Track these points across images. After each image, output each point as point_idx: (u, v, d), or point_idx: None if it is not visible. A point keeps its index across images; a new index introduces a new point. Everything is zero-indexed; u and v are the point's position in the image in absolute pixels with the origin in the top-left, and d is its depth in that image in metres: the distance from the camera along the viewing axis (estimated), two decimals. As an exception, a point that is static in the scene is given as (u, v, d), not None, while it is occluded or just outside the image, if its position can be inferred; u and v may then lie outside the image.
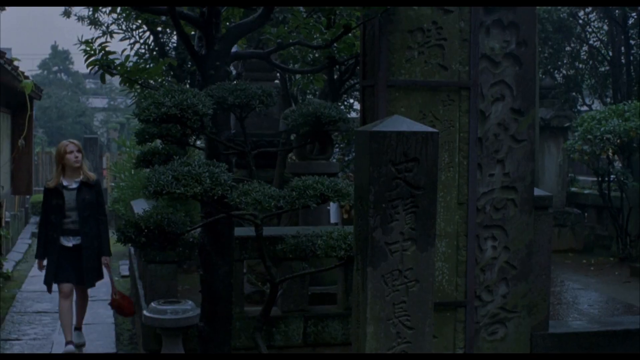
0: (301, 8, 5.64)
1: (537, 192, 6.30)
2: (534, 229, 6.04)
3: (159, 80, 5.12)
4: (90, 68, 4.95)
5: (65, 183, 6.67)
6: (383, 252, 3.18)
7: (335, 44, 5.08)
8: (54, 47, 52.69)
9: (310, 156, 7.36)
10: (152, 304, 5.41)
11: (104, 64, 4.92)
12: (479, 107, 5.31)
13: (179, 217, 4.03)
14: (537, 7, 6.68)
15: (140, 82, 4.87)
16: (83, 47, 4.83)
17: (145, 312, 5.37)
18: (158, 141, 4.40)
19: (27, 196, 18.74)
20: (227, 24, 5.00)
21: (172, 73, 8.84)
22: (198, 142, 5.62)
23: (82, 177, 6.71)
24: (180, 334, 5.42)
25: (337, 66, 8.60)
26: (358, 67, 7.63)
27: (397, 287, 3.22)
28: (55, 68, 51.87)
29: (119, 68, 4.94)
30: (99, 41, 4.92)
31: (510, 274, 5.81)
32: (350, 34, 5.20)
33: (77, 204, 6.61)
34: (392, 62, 4.78)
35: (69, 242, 6.66)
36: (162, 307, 5.36)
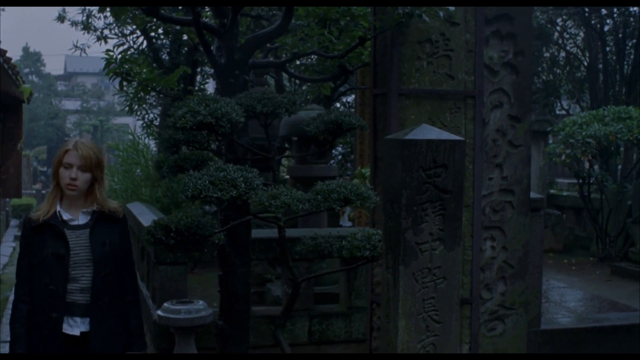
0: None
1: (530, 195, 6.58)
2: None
3: (175, 88, 5.28)
4: (109, 75, 5.12)
5: (65, 216, 3.71)
6: (414, 251, 3.42)
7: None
8: (26, 49, 52.29)
9: (310, 160, 7.57)
10: (166, 304, 5.58)
11: (122, 72, 5.10)
12: (480, 114, 5.57)
13: (207, 220, 4.22)
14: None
15: (158, 89, 5.05)
16: (104, 55, 5.00)
17: (159, 312, 5.54)
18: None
19: (7, 199, 18.71)
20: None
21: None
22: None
23: (96, 206, 3.76)
24: (194, 332, 5.60)
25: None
26: (351, 75, 7.87)
27: (427, 284, 3.45)
28: (27, 70, 51.46)
29: (134, 76, 5.13)
30: (118, 49, 5.10)
31: (508, 272, 6.08)
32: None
33: (93, 254, 3.66)
34: (403, 71, 5.02)
35: (75, 327, 3.71)
36: (176, 307, 5.53)
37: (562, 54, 15.54)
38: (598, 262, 11.26)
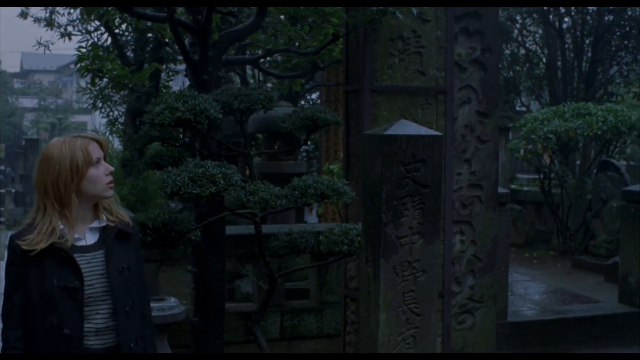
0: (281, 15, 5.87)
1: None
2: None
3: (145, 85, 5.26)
4: (81, 72, 5.08)
5: (71, 236, 2.78)
6: (394, 245, 3.47)
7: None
8: (-21, 46, 51.30)
9: (279, 156, 7.60)
10: (139, 302, 5.55)
11: (94, 69, 5.06)
12: (448, 110, 5.66)
13: (183, 217, 4.23)
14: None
15: (130, 85, 5.03)
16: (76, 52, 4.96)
17: (132, 310, 5.51)
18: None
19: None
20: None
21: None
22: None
23: (105, 218, 2.88)
24: (166, 330, 5.59)
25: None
26: (317, 72, 7.90)
27: (407, 277, 3.50)
28: (-19, 67, 50.50)
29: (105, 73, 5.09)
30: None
31: (478, 266, 6.17)
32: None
33: (111, 285, 2.80)
34: (375, 68, 5.07)
35: None
36: (149, 304, 5.51)
37: (522, 51, 15.76)
38: (559, 255, 11.47)
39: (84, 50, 4.96)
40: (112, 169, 2.87)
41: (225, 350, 5.15)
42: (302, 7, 5.23)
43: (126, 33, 9.39)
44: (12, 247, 2.77)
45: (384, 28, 5.04)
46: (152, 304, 5.52)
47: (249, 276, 6.30)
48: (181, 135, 4.49)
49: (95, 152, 2.79)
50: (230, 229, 6.29)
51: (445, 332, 5.60)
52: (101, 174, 2.80)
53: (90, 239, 2.81)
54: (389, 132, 3.45)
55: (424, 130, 3.55)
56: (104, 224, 2.84)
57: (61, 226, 2.72)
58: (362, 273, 3.68)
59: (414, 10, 4.91)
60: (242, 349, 6.01)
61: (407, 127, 3.51)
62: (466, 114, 6.01)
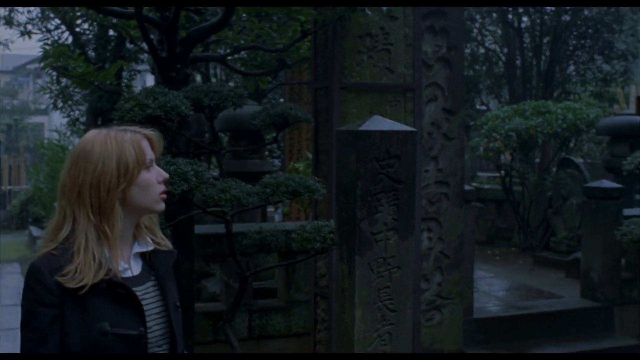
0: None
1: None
2: (462, 221, 6.48)
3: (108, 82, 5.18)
4: (46, 70, 4.99)
5: (121, 266, 2.12)
6: (369, 241, 3.46)
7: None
8: None
9: (244, 155, 7.56)
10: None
11: (59, 66, 4.98)
12: (415, 107, 5.69)
13: (154, 215, 4.17)
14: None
15: (96, 83, 4.96)
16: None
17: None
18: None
19: None
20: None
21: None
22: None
23: (149, 240, 2.24)
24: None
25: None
26: (282, 70, 7.87)
27: (382, 274, 3.50)
28: None
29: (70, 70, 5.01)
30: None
31: (445, 263, 6.22)
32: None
33: (173, 326, 2.21)
34: (344, 65, 5.08)
35: None
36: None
37: (482, 50, 15.93)
38: (520, 252, 11.60)
39: (48, 47, 4.86)
40: (166, 175, 2.23)
41: (194, 351, 5.10)
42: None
43: (87, 31, 9.27)
44: (42, 281, 2.02)
45: (352, 25, 5.05)
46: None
47: (216, 275, 6.25)
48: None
49: (148, 151, 2.16)
50: (197, 228, 6.23)
51: (414, 328, 5.62)
52: (154, 181, 2.16)
53: (135, 267, 2.18)
54: (363, 127, 3.45)
55: (398, 126, 3.55)
56: (150, 247, 2.22)
57: (105, 253, 2.08)
58: (337, 270, 3.67)
59: (383, 7, 4.92)
60: (210, 349, 5.96)
61: (381, 123, 3.51)
62: (433, 111, 6.05)
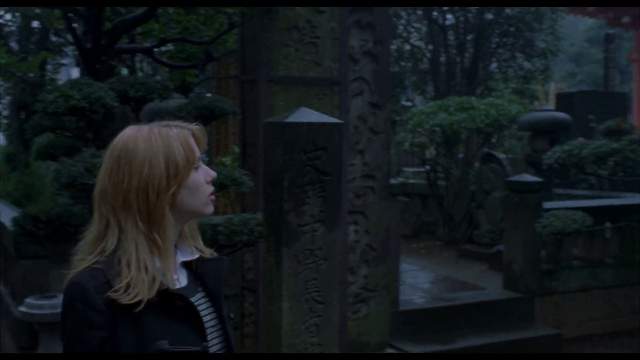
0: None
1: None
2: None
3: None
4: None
5: (172, 274, 1.89)
6: (296, 233, 3.48)
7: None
8: None
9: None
10: (28, 300, 5.34)
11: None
12: (342, 101, 5.73)
13: (78, 210, 4.10)
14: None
15: (19, 74, 4.83)
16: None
17: (22, 308, 5.30)
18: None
19: None
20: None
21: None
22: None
23: (194, 248, 2.02)
24: (59, 327, 5.40)
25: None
26: (209, 64, 7.82)
27: (309, 266, 3.52)
28: None
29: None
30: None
31: (371, 255, 6.29)
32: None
33: (229, 339, 2.03)
34: (271, 58, 5.07)
35: None
36: (40, 302, 5.31)
37: (407, 47, 16.12)
38: (445, 245, 11.80)
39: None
40: (214, 174, 1.99)
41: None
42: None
43: (10, 23, 9.00)
44: (88, 301, 1.78)
45: (280, 18, 5.05)
46: (44, 301, 5.33)
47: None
48: (77, 125, 4.35)
49: (196, 148, 1.94)
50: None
51: (341, 321, 5.67)
52: (202, 181, 1.94)
53: (182, 278, 1.97)
54: (290, 119, 3.46)
55: (325, 118, 3.57)
56: (196, 255, 2.01)
57: (158, 264, 1.86)
58: (264, 262, 3.67)
59: None
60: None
61: (308, 115, 3.53)
62: (359, 105, 6.10)
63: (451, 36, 15.17)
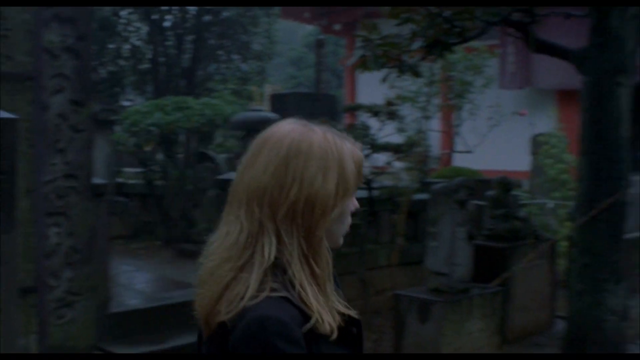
0: None
1: (94, 180, 6.67)
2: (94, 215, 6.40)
3: None
4: None
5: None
6: (-33, 236, 3.27)
7: None
8: None
9: None
10: None
11: None
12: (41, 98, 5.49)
13: None
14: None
15: None
16: None
17: None
18: None
19: None
20: None
21: None
22: None
23: None
24: None
25: None
26: None
27: (-16, 270, 3.33)
28: None
29: None
30: None
31: (75, 258, 6.10)
32: None
33: None
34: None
35: None
36: None
37: (128, 46, 15.87)
38: (164, 245, 11.78)
39: None
40: (358, 206, 1.68)
41: None
42: None
43: None
44: (293, 338, 1.45)
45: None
46: None
47: None
48: None
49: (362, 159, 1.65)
50: None
51: (42, 328, 5.44)
52: (350, 210, 1.64)
53: None
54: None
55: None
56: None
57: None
58: None
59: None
60: None
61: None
62: (60, 102, 5.88)
63: (172, 37, 15.18)
